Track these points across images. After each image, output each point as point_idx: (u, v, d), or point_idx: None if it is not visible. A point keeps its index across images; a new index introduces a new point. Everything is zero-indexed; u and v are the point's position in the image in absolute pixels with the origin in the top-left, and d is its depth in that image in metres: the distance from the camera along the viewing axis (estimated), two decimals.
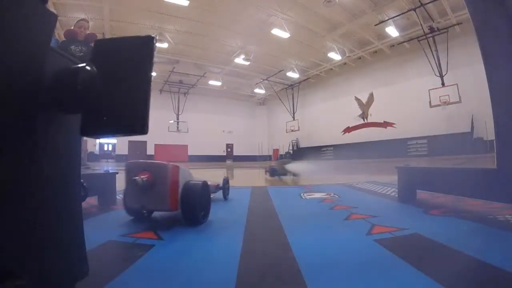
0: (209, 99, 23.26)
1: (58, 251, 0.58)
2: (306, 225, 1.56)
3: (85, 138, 1.55)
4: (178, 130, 21.74)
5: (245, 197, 2.63)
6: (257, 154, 25.08)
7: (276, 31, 13.36)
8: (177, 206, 1.50)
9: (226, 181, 2.56)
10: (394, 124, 15.63)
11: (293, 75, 19.48)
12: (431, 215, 1.70)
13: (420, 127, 13.98)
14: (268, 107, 26.59)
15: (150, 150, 20.45)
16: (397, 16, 12.15)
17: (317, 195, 2.70)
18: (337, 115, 18.87)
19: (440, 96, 12.87)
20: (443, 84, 12.88)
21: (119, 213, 1.82)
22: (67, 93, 0.54)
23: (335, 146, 18.83)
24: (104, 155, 20.74)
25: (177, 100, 21.86)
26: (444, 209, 1.82)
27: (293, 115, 21.86)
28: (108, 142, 21.13)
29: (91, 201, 2.16)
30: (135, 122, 0.58)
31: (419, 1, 11.05)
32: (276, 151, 23.99)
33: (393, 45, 15.23)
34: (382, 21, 12.49)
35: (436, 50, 13.00)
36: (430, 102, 13.18)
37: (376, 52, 16.41)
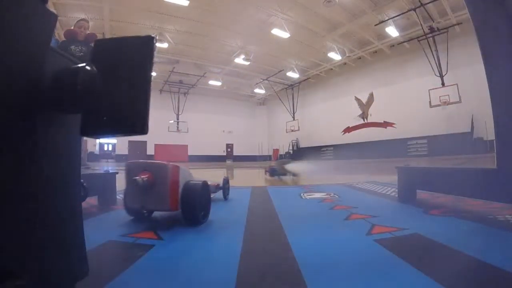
0: (209, 99, 23.25)
1: (58, 251, 0.58)
2: (306, 225, 1.56)
3: (85, 138, 1.55)
4: (178, 130, 21.74)
5: (245, 197, 2.63)
6: (257, 154, 25.08)
7: (276, 31, 13.36)
8: (177, 206, 1.50)
9: (226, 181, 2.56)
10: (394, 124, 15.63)
11: (293, 75, 19.48)
12: (431, 215, 1.70)
13: (420, 127, 13.97)
14: (268, 107, 26.59)
15: (150, 150, 20.45)
16: (397, 16, 12.15)
17: (317, 195, 2.70)
18: (337, 115, 18.87)
19: (440, 96, 12.87)
20: (443, 84, 12.88)
21: (119, 213, 1.82)
22: (67, 93, 0.53)
23: (335, 146, 18.82)
24: (104, 155, 20.73)
25: (177, 100, 21.86)
26: (444, 209, 1.82)
27: (293, 115, 21.86)
28: (108, 142, 21.13)
29: (91, 201, 2.16)
30: (135, 122, 0.58)
31: (419, 1, 11.05)
32: (276, 151, 23.99)
33: (393, 45, 15.23)
34: (382, 21, 12.49)
35: (436, 50, 13.00)
36: (430, 102, 13.18)
37: (376, 52, 16.41)
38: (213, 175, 6.18)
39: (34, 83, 0.49)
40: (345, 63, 17.92)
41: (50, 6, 8.38)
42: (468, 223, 1.46)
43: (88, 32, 3.63)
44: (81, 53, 3.38)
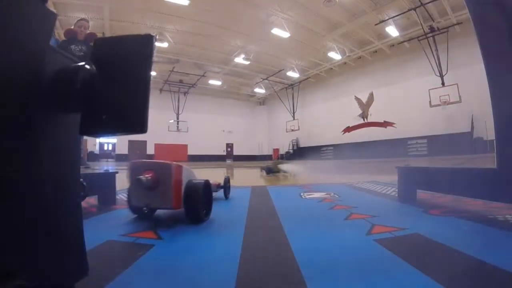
0: (209, 98, 23.27)
1: (58, 251, 0.58)
2: (306, 224, 1.56)
3: (85, 137, 1.55)
4: (178, 129, 21.75)
5: (245, 196, 2.64)
6: (257, 154, 25.09)
7: (276, 31, 13.37)
8: (180, 204, 1.52)
9: (227, 180, 2.61)
10: (394, 124, 15.64)
11: (293, 74, 19.48)
12: (431, 215, 1.70)
13: (420, 127, 13.99)
14: (268, 106, 26.60)
15: (150, 150, 20.45)
16: (397, 15, 12.16)
17: (317, 194, 2.70)
18: (337, 115, 18.88)
19: (440, 96, 12.89)
20: (443, 84, 12.89)
21: (119, 213, 1.82)
22: (66, 92, 0.53)
23: (335, 146, 18.84)
24: (104, 154, 20.75)
25: (177, 99, 21.87)
26: (444, 209, 1.82)
27: (293, 114, 21.87)
28: (108, 141, 21.15)
29: (91, 201, 2.16)
30: (134, 120, 0.58)
31: (419, 0, 11.05)
32: (276, 150, 24.02)
33: (393, 45, 15.24)
34: (382, 21, 12.50)
35: (436, 50, 13.01)
36: (430, 102, 13.19)
37: (376, 51, 16.42)
38: (213, 175, 6.19)
39: (33, 82, 0.48)
40: (345, 63, 17.93)
41: (50, 6, 8.38)
42: (468, 223, 1.46)
43: (88, 31, 3.63)
44: (81, 53, 3.38)
